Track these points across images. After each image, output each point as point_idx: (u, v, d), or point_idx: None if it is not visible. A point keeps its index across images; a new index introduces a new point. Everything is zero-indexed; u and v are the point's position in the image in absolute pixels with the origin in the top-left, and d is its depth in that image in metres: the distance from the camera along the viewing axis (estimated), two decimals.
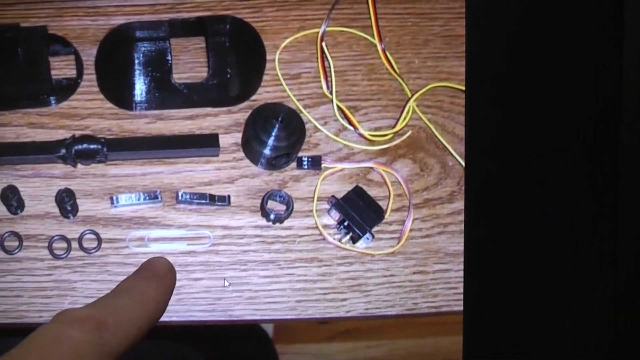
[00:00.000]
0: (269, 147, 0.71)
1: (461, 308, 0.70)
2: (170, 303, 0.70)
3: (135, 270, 0.53)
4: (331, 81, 0.76)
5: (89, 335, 0.43)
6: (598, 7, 0.41)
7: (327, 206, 0.73)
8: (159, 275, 0.51)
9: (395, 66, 0.77)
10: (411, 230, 0.73)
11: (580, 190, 0.43)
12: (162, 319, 0.70)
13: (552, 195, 0.47)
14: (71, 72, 0.75)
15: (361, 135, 0.75)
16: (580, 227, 0.44)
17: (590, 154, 0.42)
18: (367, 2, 0.78)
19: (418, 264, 0.73)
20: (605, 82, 0.41)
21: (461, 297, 0.72)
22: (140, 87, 0.74)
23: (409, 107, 0.76)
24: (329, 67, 0.76)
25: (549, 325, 0.47)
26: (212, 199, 0.72)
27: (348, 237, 0.72)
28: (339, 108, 0.75)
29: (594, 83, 0.41)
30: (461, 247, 0.73)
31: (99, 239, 0.71)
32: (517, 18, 0.49)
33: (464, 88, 0.76)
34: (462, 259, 0.72)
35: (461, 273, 0.72)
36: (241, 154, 0.74)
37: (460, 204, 0.75)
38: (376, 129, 0.76)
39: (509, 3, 0.50)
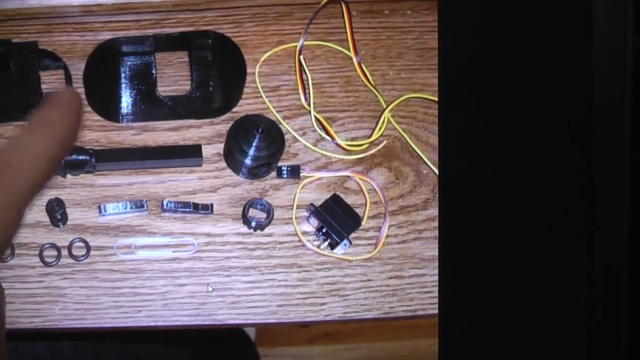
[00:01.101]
0: (250, 157, 0.72)
1: (436, 311, 0.72)
2: (156, 308, 0.72)
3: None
4: (309, 93, 0.77)
5: None
6: (567, 24, 0.43)
7: (306, 214, 0.74)
8: (61, 102, 0.49)
9: (370, 78, 0.78)
10: (387, 236, 0.74)
11: (552, 193, 0.46)
12: (149, 323, 0.73)
13: (522, 200, 0.49)
14: (61, 86, 0.76)
15: (338, 145, 0.76)
16: (553, 231, 0.46)
17: (563, 158, 0.44)
18: (343, 17, 0.79)
19: (394, 269, 0.74)
20: (576, 88, 0.43)
21: (436, 300, 0.73)
22: (126, 100, 0.76)
23: (384, 117, 0.77)
24: (307, 80, 0.78)
25: (521, 328, 0.49)
26: (196, 208, 0.73)
27: (326, 243, 0.73)
28: (317, 119, 0.77)
29: (566, 84, 0.43)
30: (436, 253, 0.74)
31: (88, 247, 0.72)
32: (487, 31, 0.52)
33: (436, 99, 0.77)
34: (437, 264, 0.74)
35: (436, 277, 0.74)
36: (223, 164, 0.75)
37: (434, 211, 0.76)
38: (353, 139, 0.77)
39: (479, 17, 0.52)
